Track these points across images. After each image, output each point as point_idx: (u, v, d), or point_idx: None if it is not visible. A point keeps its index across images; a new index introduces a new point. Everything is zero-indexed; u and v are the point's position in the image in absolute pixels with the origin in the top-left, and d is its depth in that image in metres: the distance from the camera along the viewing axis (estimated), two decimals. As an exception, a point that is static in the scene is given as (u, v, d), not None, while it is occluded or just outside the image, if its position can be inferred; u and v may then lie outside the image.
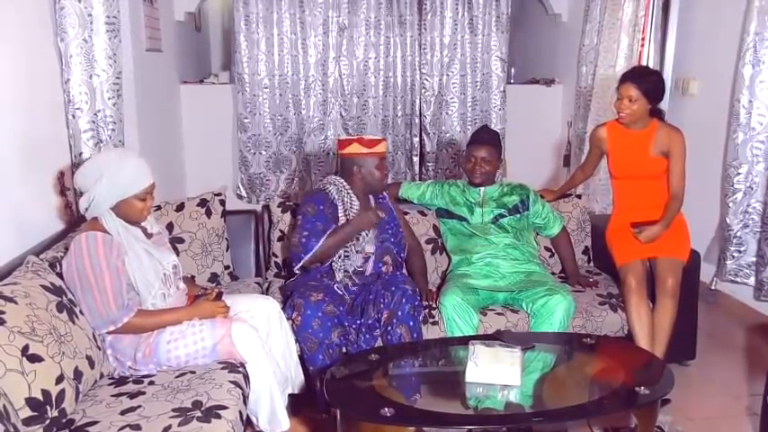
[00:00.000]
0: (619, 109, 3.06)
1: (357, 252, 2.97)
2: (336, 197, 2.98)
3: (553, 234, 3.38)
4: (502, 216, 3.20)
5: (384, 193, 3.16)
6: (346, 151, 2.98)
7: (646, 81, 2.99)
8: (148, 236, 2.45)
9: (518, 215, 3.24)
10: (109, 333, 2.27)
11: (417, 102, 5.57)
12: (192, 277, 3.03)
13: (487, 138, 3.23)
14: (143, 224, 2.43)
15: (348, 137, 3.06)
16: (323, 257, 2.90)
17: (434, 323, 2.89)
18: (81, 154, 2.90)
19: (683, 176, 3.07)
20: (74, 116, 2.89)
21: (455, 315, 2.83)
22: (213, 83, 5.59)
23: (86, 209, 2.29)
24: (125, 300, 2.26)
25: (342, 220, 2.95)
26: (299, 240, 2.86)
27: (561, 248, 3.41)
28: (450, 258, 3.30)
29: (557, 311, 2.82)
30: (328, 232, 2.87)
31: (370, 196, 3.08)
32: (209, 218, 3.18)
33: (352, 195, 2.99)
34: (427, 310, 2.92)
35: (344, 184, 3.01)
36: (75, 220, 2.78)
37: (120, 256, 2.28)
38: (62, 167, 2.87)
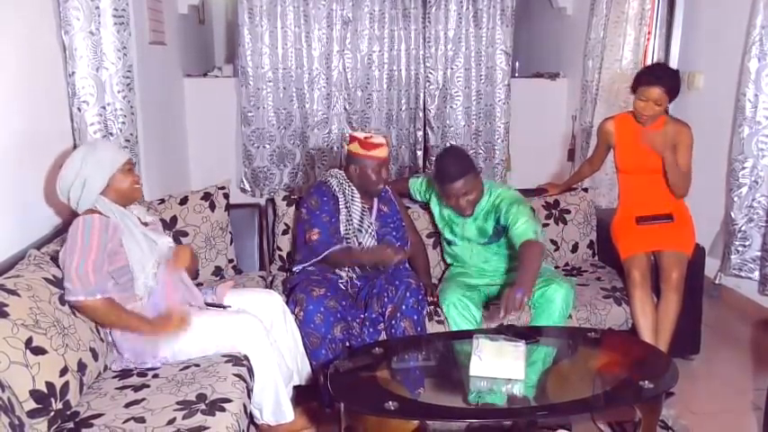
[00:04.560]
0: (643, 111, 2.99)
1: (359, 245, 2.96)
2: (337, 189, 2.98)
3: (517, 242, 2.74)
4: (488, 242, 3.07)
5: (387, 187, 3.14)
6: (348, 147, 2.98)
7: (670, 82, 2.95)
8: (143, 224, 2.47)
9: (502, 239, 3.03)
10: (72, 304, 2.17)
11: (421, 95, 5.55)
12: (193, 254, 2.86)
13: (457, 169, 2.81)
14: (135, 213, 2.45)
15: (355, 133, 3.02)
16: (330, 264, 2.93)
17: (440, 322, 2.87)
18: (86, 148, 2.89)
19: (690, 168, 3.06)
20: (79, 109, 2.88)
21: (455, 313, 2.83)
22: (217, 76, 5.57)
23: (78, 199, 2.31)
24: (104, 282, 2.21)
25: (343, 212, 2.95)
26: (311, 242, 2.88)
27: (525, 255, 2.68)
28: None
29: (555, 300, 2.80)
30: (339, 247, 2.87)
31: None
32: (212, 211, 3.18)
33: (354, 188, 2.99)
34: (432, 308, 2.92)
35: (345, 177, 3.00)
36: (76, 214, 2.79)
37: (117, 236, 2.28)
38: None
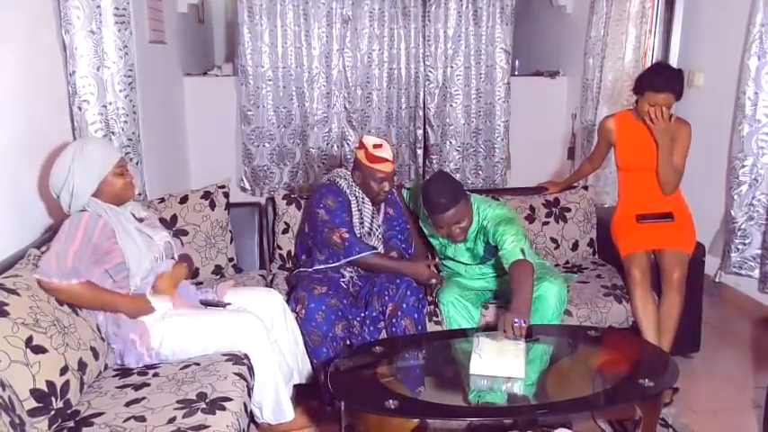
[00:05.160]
0: (656, 116, 2.95)
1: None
2: (348, 192, 2.96)
3: (506, 264, 2.69)
4: (481, 262, 3.05)
5: (393, 190, 3.11)
6: (356, 153, 2.95)
7: (678, 86, 2.95)
8: (139, 220, 2.46)
9: (492, 259, 3.01)
10: (45, 286, 2.12)
11: (421, 94, 5.55)
12: (191, 262, 2.85)
13: (447, 199, 2.70)
14: (130, 210, 2.44)
15: (365, 138, 2.89)
16: (359, 266, 2.92)
17: (438, 323, 2.88)
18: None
19: (683, 166, 3.06)
20: (80, 108, 2.88)
21: (454, 312, 2.83)
22: (216, 75, 5.57)
23: (69, 204, 2.31)
24: (81, 268, 2.19)
25: (355, 214, 2.94)
26: (342, 241, 2.84)
27: (515, 279, 2.62)
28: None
29: (548, 298, 2.78)
30: (375, 252, 2.87)
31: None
32: (212, 210, 3.18)
33: (362, 192, 2.98)
34: (432, 307, 2.92)
35: (352, 179, 3.00)
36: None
37: (107, 232, 2.27)
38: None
